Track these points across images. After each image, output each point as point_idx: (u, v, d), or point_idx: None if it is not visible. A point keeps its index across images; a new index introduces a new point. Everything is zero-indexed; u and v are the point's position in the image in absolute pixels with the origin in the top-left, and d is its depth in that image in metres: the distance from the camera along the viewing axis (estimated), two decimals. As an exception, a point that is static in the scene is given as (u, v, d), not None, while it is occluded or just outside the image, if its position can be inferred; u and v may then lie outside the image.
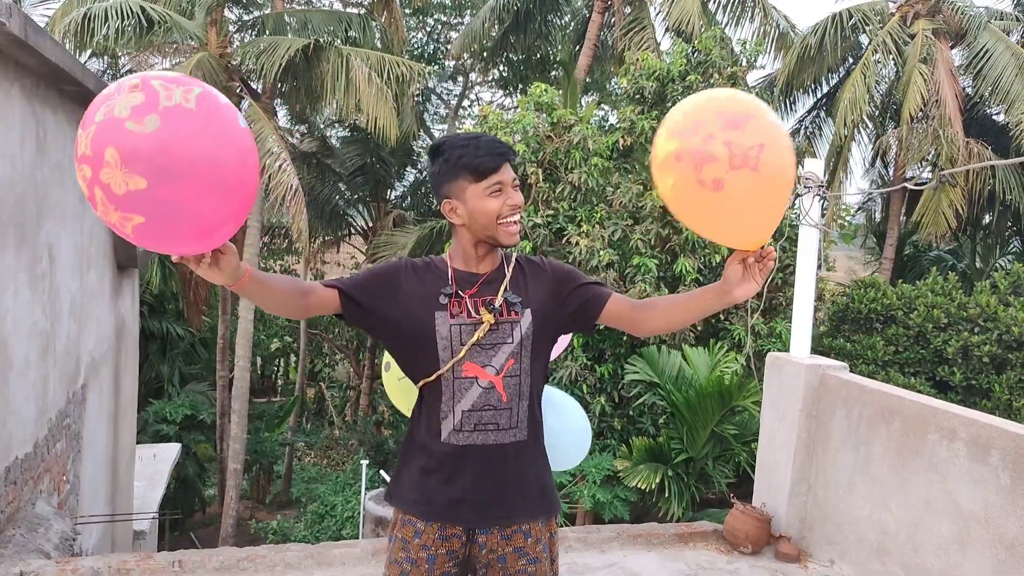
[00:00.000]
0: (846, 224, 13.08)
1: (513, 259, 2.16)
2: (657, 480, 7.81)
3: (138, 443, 9.74)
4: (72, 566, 4.00)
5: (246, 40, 14.55)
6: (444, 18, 22.31)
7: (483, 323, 2.04)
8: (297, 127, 19.84)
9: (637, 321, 2.09)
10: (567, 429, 2.46)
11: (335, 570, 4.16)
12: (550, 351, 2.21)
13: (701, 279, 10.06)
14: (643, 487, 7.88)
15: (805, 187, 4.56)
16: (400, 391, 3.00)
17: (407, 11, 19.71)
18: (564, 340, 2.93)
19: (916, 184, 11.31)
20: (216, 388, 16.76)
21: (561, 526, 7.63)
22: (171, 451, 11.62)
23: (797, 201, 4.74)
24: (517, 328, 2.07)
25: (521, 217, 2.09)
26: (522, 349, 2.08)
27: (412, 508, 2.12)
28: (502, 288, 2.08)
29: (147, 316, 14.94)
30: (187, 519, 16.02)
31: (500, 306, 2.07)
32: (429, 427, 2.10)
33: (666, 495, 7.82)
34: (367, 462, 10.02)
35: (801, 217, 4.63)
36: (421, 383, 2.10)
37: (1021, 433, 3.48)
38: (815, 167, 4.72)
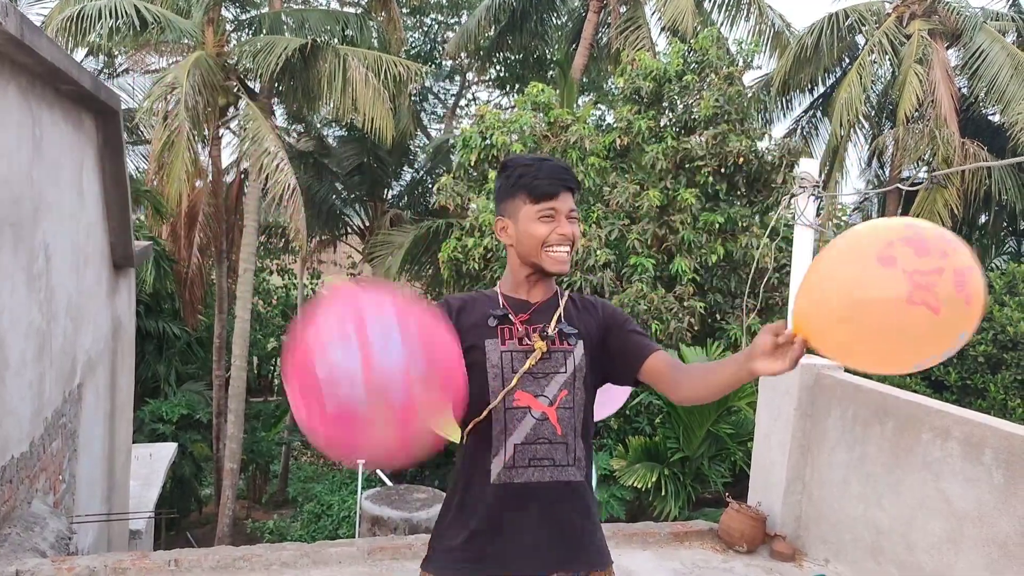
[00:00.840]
0: (842, 224, 13.09)
1: (566, 294, 2.09)
2: (654, 479, 7.82)
3: (134, 442, 9.75)
4: (68, 565, 4.00)
5: (243, 39, 14.55)
6: (441, 18, 22.32)
7: (535, 350, 1.95)
8: (294, 126, 19.86)
9: (674, 383, 1.95)
10: None
11: (331, 569, 4.17)
12: (595, 395, 2.07)
13: (697, 279, 10.07)
14: (639, 486, 7.89)
15: (800, 187, 4.58)
16: None
17: (404, 11, 19.72)
18: (617, 397, 2.61)
19: (910, 185, 11.30)
20: (212, 388, 16.75)
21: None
22: (167, 450, 11.62)
23: (792, 201, 4.76)
24: (571, 358, 1.98)
25: (573, 250, 1.99)
26: (575, 381, 1.97)
27: (462, 572, 1.94)
28: (555, 316, 2.00)
29: (143, 315, 14.92)
30: (183, 519, 16.00)
31: (553, 334, 1.98)
32: (475, 471, 1.95)
33: (663, 494, 7.83)
34: (363, 461, 10.02)
35: (796, 217, 4.65)
36: (470, 425, 1.95)
37: (1014, 432, 3.50)
38: (811, 167, 4.74)
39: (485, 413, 1.91)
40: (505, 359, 1.94)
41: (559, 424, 1.94)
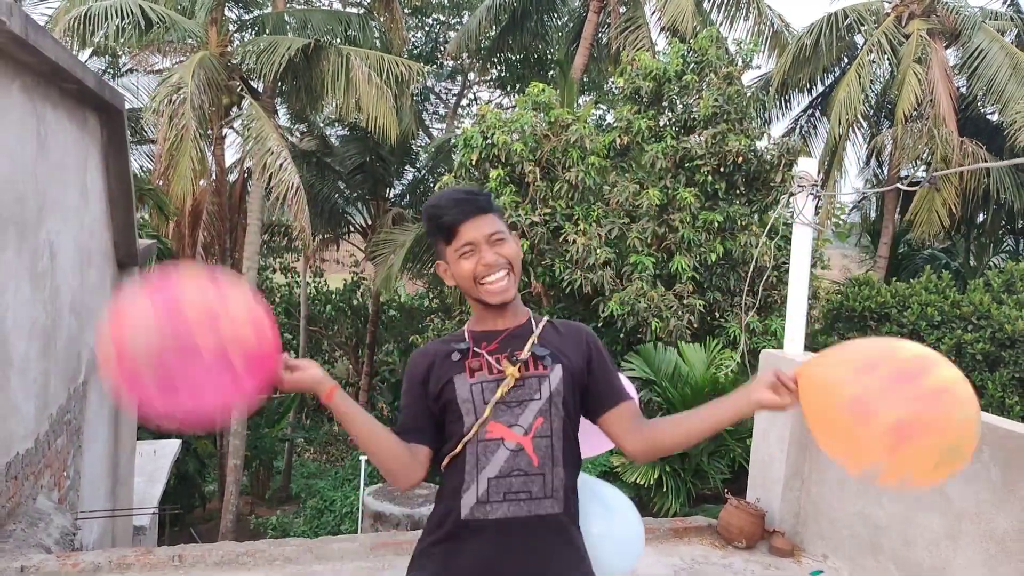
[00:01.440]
0: (841, 223, 13.13)
1: (544, 320, 1.96)
2: (655, 476, 7.86)
3: (138, 439, 9.77)
4: (73, 561, 4.04)
5: (246, 39, 14.59)
6: (442, 18, 22.35)
7: (506, 377, 1.82)
8: (297, 126, 19.88)
9: (634, 431, 1.92)
10: (612, 533, 2.09)
11: (333, 564, 4.21)
12: (578, 420, 1.93)
13: (697, 277, 10.10)
14: (641, 483, 7.93)
15: (799, 186, 4.61)
16: None
17: (406, 11, 19.75)
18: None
19: (908, 184, 11.36)
20: (215, 385, 16.76)
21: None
22: (171, 447, 11.64)
23: (791, 200, 4.79)
24: (546, 383, 1.84)
25: (514, 272, 1.87)
26: (552, 407, 1.83)
27: None
28: (529, 342, 1.88)
29: (146, 314, 14.92)
30: (187, 515, 16.05)
31: (527, 360, 1.85)
32: (448, 507, 1.84)
33: (663, 490, 7.87)
34: (366, 458, 10.05)
35: (795, 216, 4.68)
36: (445, 460, 1.86)
37: (1011, 430, 3.53)
38: (810, 166, 4.77)
39: (459, 448, 1.81)
40: (475, 391, 1.83)
41: (535, 454, 1.81)
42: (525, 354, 1.85)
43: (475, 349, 1.87)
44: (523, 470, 1.79)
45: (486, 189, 10.45)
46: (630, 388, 2.14)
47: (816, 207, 4.83)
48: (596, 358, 1.93)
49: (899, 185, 6.89)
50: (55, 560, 4.05)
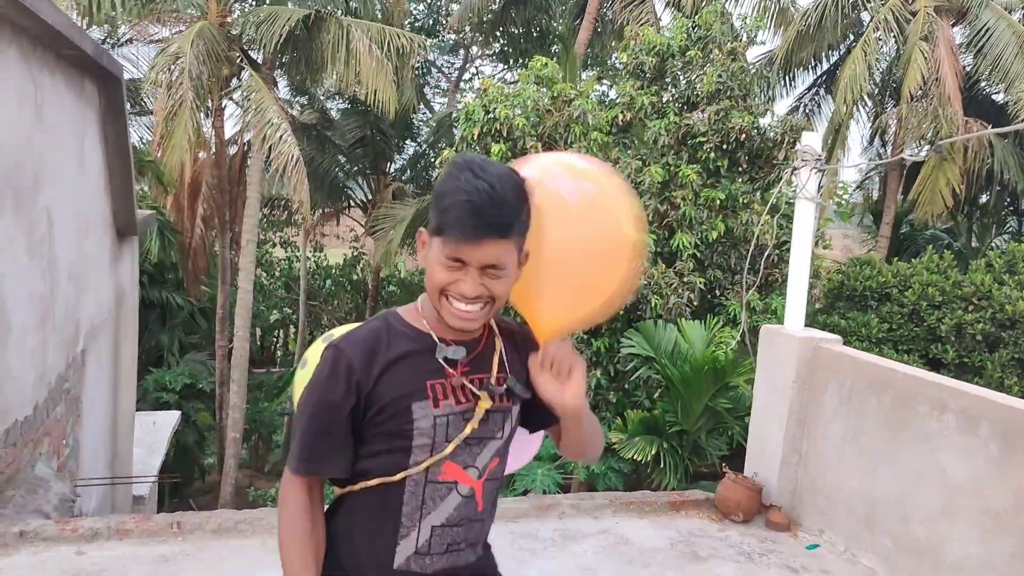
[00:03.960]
0: (843, 202, 13.09)
1: (503, 325, 1.66)
2: (653, 452, 7.88)
3: (138, 411, 9.80)
4: (72, 526, 4.05)
5: (246, 9, 14.47)
6: (445, -10, 22.20)
7: (477, 410, 1.53)
8: (297, 98, 19.79)
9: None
10: None
11: (331, 533, 4.22)
12: None
13: (698, 254, 10.08)
14: (639, 459, 7.95)
15: (802, 160, 4.58)
16: None
17: (408, -18, 19.60)
18: (532, 446, 2.26)
19: (913, 156, 11.29)
20: (216, 358, 16.83)
21: (555, 494, 7.70)
22: (171, 419, 11.66)
23: (794, 174, 4.76)
24: (508, 419, 1.59)
25: (486, 306, 1.48)
26: (506, 446, 1.62)
27: None
28: (495, 363, 1.58)
29: (147, 285, 14.96)
30: (186, 487, 16.14)
31: (501, 389, 1.58)
32: (372, 552, 1.54)
33: (661, 466, 7.90)
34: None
35: (798, 191, 4.65)
36: (361, 484, 1.54)
37: (1011, 405, 3.53)
38: (813, 141, 4.73)
39: (398, 478, 1.51)
40: (440, 424, 1.51)
41: (482, 499, 1.57)
42: (497, 380, 1.57)
43: (448, 367, 1.53)
44: (469, 518, 1.56)
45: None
46: None
47: (819, 184, 4.80)
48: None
49: (904, 156, 6.86)
50: (54, 525, 4.06)
